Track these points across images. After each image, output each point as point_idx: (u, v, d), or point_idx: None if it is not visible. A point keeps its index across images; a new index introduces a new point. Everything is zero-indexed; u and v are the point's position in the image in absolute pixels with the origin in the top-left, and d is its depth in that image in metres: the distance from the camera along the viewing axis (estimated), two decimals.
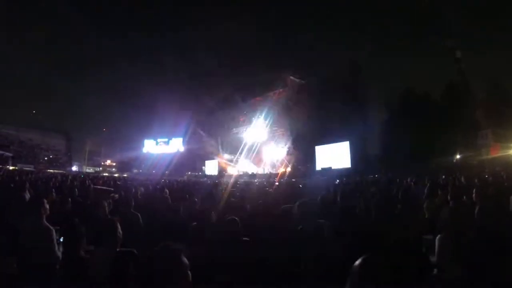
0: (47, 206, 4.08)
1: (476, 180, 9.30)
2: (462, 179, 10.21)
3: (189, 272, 1.88)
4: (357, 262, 1.70)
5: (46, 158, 49.19)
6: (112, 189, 9.63)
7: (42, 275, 3.54)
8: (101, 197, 6.47)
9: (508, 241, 3.35)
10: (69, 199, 5.82)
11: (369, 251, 1.76)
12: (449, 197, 5.15)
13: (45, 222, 3.93)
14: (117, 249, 2.98)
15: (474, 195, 5.13)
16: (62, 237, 3.85)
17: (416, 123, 26.56)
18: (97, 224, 3.37)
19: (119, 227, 3.22)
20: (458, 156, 24.68)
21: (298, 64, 31.31)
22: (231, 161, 40.27)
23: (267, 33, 31.12)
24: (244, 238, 3.70)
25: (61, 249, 3.80)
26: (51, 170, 37.77)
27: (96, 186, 10.75)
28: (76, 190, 8.64)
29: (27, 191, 7.59)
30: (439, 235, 3.59)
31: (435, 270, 3.53)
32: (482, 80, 26.53)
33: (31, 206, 4.13)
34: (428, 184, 8.97)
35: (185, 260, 1.87)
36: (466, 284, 3.15)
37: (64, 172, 37.12)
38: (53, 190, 6.68)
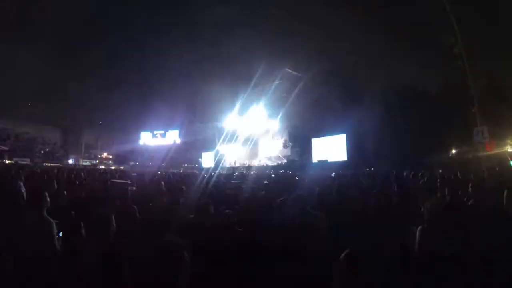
0: (48, 199, 4.08)
1: (472, 175, 9.35)
2: (458, 174, 10.26)
3: (188, 269, 1.88)
4: (341, 256, 1.71)
5: (42, 152, 48.92)
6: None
7: (41, 268, 3.54)
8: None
9: (500, 236, 3.38)
10: (65, 192, 5.82)
11: (362, 244, 1.77)
12: (446, 191, 5.17)
13: (46, 214, 3.93)
14: (111, 242, 2.98)
15: (470, 189, 5.16)
16: (60, 231, 3.85)
17: (413, 118, 26.61)
18: (92, 217, 3.37)
19: (113, 220, 3.22)
20: (454, 152, 24.80)
21: (295, 57, 31.11)
22: (227, 153, 40.34)
23: (265, 25, 30.86)
24: (239, 229, 3.71)
25: (59, 243, 3.80)
26: (47, 164, 37.65)
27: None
28: (77, 182, 8.65)
29: (22, 185, 7.59)
30: (420, 227, 3.62)
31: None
32: (479, 77, 26.53)
33: (32, 199, 4.12)
34: (425, 179, 9.04)
35: (187, 257, 1.87)
36: (448, 278, 3.18)
37: (60, 165, 37.01)
38: (54, 182, 6.65)
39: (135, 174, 19.81)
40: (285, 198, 4.60)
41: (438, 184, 7.06)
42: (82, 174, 13.74)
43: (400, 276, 3.09)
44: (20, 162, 35.51)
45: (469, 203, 4.48)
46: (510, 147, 20.37)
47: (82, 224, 3.56)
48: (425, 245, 3.45)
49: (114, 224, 3.19)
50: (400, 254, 3.42)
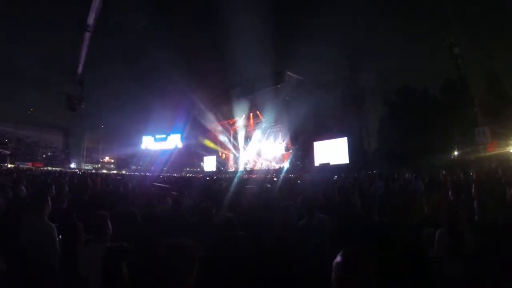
0: (50, 204, 4.08)
1: (474, 176, 9.32)
2: (461, 175, 10.23)
3: (196, 270, 1.87)
4: (339, 255, 1.69)
5: (44, 156, 49.02)
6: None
7: (42, 271, 3.53)
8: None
9: (507, 235, 3.36)
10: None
11: (368, 246, 1.75)
12: (449, 193, 5.14)
13: (47, 219, 3.93)
14: (108, 244, 2.96)
15: (473, 190, 5.13)
16: (60, 235, 3.84)
17: (414, 119, 26.59)
18: (90, 220, 3.36)
19: (109, 222, 3.21)
20: (456, 153, 24.72)
21: (296, 60, 31.09)
22: (228, 157, 40.43)
23: (265, 28, 30.76)
24: (242, 233, 3.68)
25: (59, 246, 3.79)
26: (49, 168, 37.73)
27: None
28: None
29: (23, 188, 7.60)
30: (438, 230, 3.61)
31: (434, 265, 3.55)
32: (481, 76, 26.53)
33: (34, 203, 4.11)
34: (427, 180, 9.00)
35: (197, 258, 1.86)
36: (465, 279, 3.16)
37: (62, 169, 37.07)
38: (53, 187, 6.62)
39: (119, 177, 19.74)
40: (289, 203, 4.57)
41: (441, 185, 7.04)
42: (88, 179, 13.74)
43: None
44: (21, 166, 35.54)
45: (474, 204, 4.46)
46: None
47: (81, 228, 3.55)
48: (444, 249, 3.45)
49: (110, 227, 3.19)
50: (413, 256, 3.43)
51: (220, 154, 41.77)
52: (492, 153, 20.41)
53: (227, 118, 39.63)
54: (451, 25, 21.64)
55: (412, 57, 27.78)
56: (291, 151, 33.47)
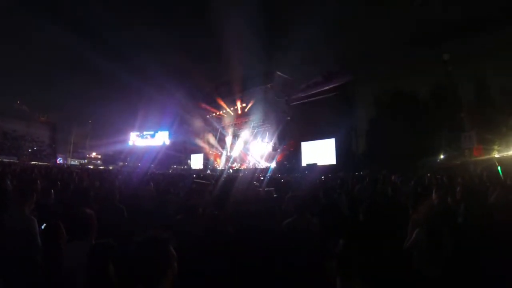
0: (34, 198, 4.05)
1: (459, 180, 9.43)
2: (445, 178, 10.34)
3: (175, 263, 1.87)
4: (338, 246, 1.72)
5: (30, 150, 48.30)
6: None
7: (23, 266, 3.50)
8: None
9: (490, 238, 3.41)
10: (52, 190, 5.74)
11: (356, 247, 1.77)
12: (434, 196, 5.20)
13: (27, 213, 3.89)
14: (93, 242, 2.94)
15: (458, 193, 5.19)
16: (43, 231, 3.79)
17: (403, 123, 26.78)
18: (74, 217, 3.32)
19: (94, 219, 3.19)
20: (442, 157, 24.97)
21: (286, 60, 31.13)
22: (216, 155, 40.40)
23: (255, 28, 30.74)
24: (228, 231, 3.68)
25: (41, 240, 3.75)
26: (35, 162, 37.22)
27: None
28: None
29: (8, 182, 7.49)
30: (417, 229, 3.67)
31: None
32: (469, 82, 26.80)
33: (16, 197, 4.07)
34: (413, 182, 9.10)
35: (172, 250, 1.86)
36: (443, 279, 3.21)
37: (48, 164, 36.64)
38: (38, 181, 6.55)
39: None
40: (276, 204, 4.59)
41: (426, 188, 7.11)
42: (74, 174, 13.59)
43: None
44: (6, 160, 35.00)
45: (460, 208, 4.52)
46: (497, 152, 20.57)
47: (61, 225, 3.52)
48: (421, 250, 3.51)
49: (96, 223, 3.17)
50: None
51: (207, 152, 41.68)
52: (478, 158, 20.66)
53: (215, 117, 39.71)
54: (440, 31, 21.84)
55: (403, 63, 27.98)
56: (278, 150, 33.55)
